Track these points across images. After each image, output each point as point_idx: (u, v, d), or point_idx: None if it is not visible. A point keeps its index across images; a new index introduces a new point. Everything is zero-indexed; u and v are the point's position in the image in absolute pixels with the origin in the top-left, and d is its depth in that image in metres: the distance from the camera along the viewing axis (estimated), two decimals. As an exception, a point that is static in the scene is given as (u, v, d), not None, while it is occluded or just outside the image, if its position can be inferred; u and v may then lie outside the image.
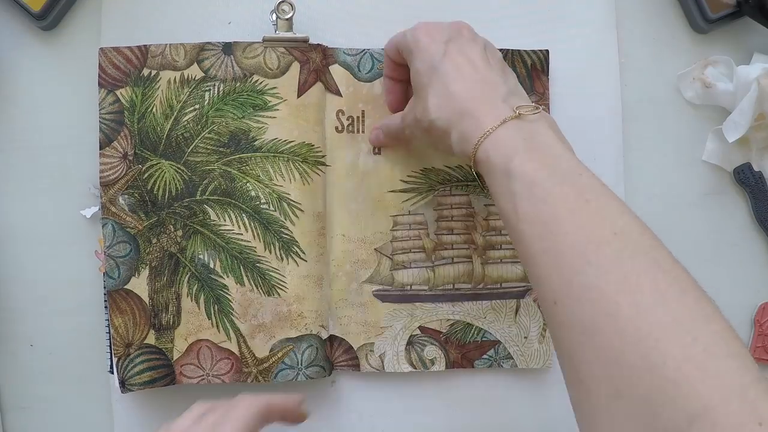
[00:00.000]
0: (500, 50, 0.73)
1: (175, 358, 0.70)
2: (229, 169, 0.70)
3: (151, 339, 0.69)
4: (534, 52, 0.74)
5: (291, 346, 0.70)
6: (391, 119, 0.69)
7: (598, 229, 0.50)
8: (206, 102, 0.70)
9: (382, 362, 0.73)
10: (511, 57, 0.73)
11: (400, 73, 0.69)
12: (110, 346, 0.70)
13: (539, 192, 0.52)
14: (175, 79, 0.70)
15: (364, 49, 0.73)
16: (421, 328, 0.73)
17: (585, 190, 0.52)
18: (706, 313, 0.46)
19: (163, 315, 0.70)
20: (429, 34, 0.63)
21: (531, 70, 0.74)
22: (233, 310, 0.70)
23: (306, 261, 0.70)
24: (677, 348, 0.44)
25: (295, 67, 0.71)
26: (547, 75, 0.74)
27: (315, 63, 0.71)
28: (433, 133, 0.61)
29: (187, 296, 0.70)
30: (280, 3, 0.70)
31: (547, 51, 0.74)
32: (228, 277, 0.70)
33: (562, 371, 0.51)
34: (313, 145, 0.71)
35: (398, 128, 0.68)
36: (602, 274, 0.47)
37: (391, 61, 0.68)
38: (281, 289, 0.70)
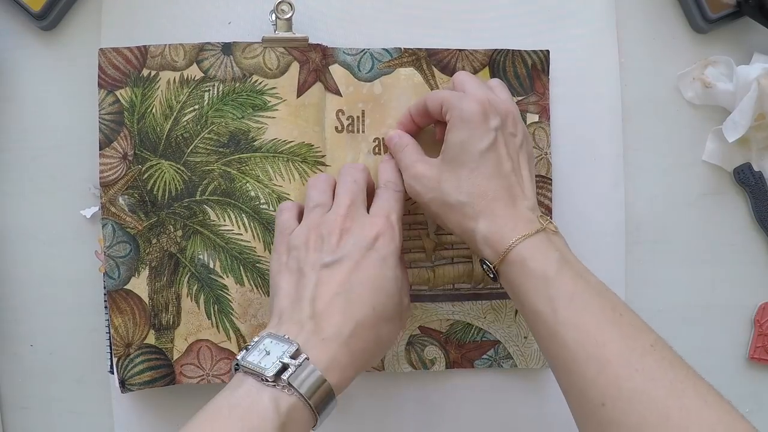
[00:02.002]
0: (501, 50, 0.73)
1: (175, 358, 0.70)
2: (228, 170, 0.70)
3: (151, 339, 0.69)
4: (534, 52, 0.74)
5: (291, 347, 0.70)
6: (411, 150, 0.68)
7: (637, 340, 0.56)
8: (206, 102, 0.70)
9: (382, 362, 0.73)
10: (512, 57, 0.73)
11: (424, 121, 0.70)
12: (110, 346, 0.70)
13: (579, 301, 0.57)
14: (174, 79, 0.70)
15: (364, 49, 0.73)
16: (420, 328, 0.73)
17: (615, 305, 0.58)
18: (738, 414, 0.53)
19: (163, 315, 0.70)
20: (484, 113, 0.63)
21: (531, 70, 0.74)
22: (233, 310, 0.70)
23: (306, 261, 0.70)
24: None
25: (295, 67, 0.71)
26: (548, 75, 0.74)
27: (314, 63, 0.71)
28: (456, 212, 0.63)
29: (187, 296, 0.70)
30: (279, 3, 0.70)
31: (548, 51, 0.74)
32: (228, 277, 0.70)
33: None
34: (312, 145, 0.71)
35: (407, 167, 0.67)
36: (650, 380, 0.53)
37: (425, 108, 0.68)
38: (281, 289, 0.70)
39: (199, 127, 0.70)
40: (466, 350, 0.74)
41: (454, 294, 0.73)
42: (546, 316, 0.58)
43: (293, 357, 0.55)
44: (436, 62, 0.73)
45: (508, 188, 0.63)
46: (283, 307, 0.60)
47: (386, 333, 0.61)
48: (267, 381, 0.54)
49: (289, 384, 0.54)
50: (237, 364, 0.56)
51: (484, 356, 0.74)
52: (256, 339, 0.57)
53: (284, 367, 0.54)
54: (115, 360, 0.69)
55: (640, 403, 0.52)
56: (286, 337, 0.56)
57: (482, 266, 0.64)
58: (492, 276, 0.63)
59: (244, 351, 0.56)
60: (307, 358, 0.55)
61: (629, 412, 0.52)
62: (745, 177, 0.76)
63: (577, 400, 0.57)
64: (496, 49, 0.73)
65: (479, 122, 0.63)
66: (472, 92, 0.65)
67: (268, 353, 0.55)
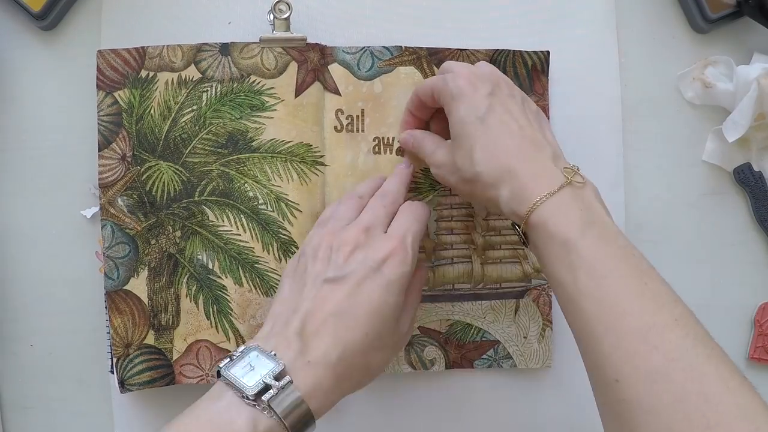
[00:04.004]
0: (502, 51, 0.73)
1: (174, 358, 0.70)
2: (227, 170, 0.70)
3: (150, 339, 0.69)
4: (535, 53, 0.74)
5: (289, 347, 0.70)
6: (427, 142, 0.67)
7: (660, 314, 0.52)
8: (204, 103, 0.70)
9: (382, 362, 0.73)
10: (512, 58, 0.73)
11: (424, 113, 0.70)
12: (111, 346, 0.70)
13: (601, 269, 0.54)
14: (172, 80, 0.70)
15: (363, 47, 0.73)
16: (420, 328, 0.73)
17: (642, 271, 0.54)
18: (759, 400, 0.49)
19: (163, 315, 0.70)
20: (472, 84, 0.62)
21: (531, 70, 0.74)
22: (232, 310, 0.70)
23: (304, 261, 0.71)
24: None
25: (293, 66, 0.71)
26: (547, 76, 0.74)
27: (313, 62, 0.71)
28: (476, 184, 0.61)
29: (186, 297, 0.70)
30: (276, 3, 0.70)
31: (548, 52, 0.74)
32: (226, 277, 0.70)
33: None
34: (311, 145, 0.71)
35: (428, 158, 0.67)
36: (670, 361, 0.49)
37: (419, 100, 0.68)
38: (280, 289, 0.70)
39: (197, 127, 0.70)
40: (465, 350, 0.74)
41: (453, 294, 0.73)
42: (567, 285, 0.55)
43: (277, 378, 0.53)
44: (437, 61, 0.73)
45: (520, 146, 0.59)
46: (278, 314, 0.59)
47: (377, 360, 0.59)
48: (247, 399, 0.53)
49: (269, 406, 0.52)
50: (219, 371, 0.55)
51: (484, 356, 0.74)
52: (242, 348, 0.56)
53: (266, 387, 0.53)
54: (114, 360, 0.69)
55: (656, 384, 0.49)
56: (273, 353, 0.55)
57: (514, 228, 0.61)
58: (522, 241, 0.60)
59: (228, 360, 0.55)
60: (291, 381, 0.54)
61: (644, 393, 0.49)
62: (745, 177, 0.76)
63: (593, 374, 0.54)
64: (497, 50, 0.73)
65: (470, 93, 0.62)
66: (456, 70, 0.64)
67: (252, 368, 0.54)
